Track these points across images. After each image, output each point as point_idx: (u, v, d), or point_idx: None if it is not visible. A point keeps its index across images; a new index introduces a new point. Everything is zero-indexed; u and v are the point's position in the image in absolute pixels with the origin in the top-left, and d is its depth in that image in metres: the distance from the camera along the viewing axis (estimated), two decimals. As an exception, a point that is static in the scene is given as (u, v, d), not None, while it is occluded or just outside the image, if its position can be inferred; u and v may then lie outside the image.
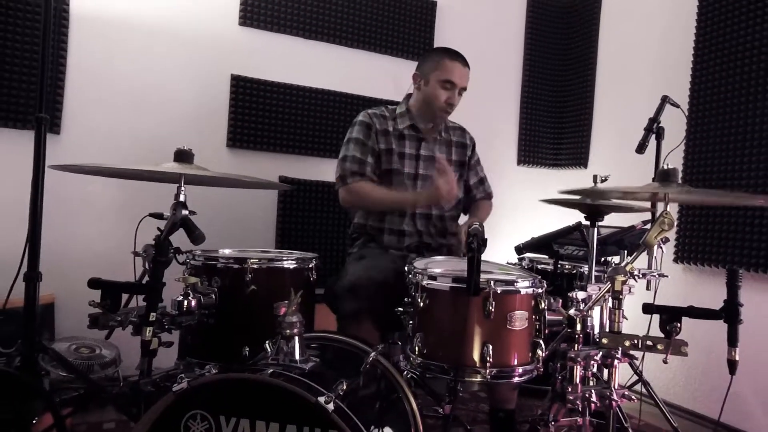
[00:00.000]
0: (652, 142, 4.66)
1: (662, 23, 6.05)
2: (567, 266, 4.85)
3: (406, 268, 3.41)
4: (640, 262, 2.95)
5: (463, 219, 4.96)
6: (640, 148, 4.61)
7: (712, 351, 4.83)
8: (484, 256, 2.80)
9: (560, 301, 3.23)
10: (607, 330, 3.02)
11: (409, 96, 4.79)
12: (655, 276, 3.80)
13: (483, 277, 2.81)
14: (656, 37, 6.12)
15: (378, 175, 4.54)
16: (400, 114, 4.70)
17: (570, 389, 3.03)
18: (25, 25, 4.77)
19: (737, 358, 2.89)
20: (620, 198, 3.60)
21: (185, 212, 3.14)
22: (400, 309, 3.25)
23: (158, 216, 3.27)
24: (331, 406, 2.33)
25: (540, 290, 3.12)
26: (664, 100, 4.69)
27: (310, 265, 3.85)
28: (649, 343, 2.85)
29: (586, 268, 4.15)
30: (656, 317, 2.93)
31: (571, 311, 3.06)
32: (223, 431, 2.50)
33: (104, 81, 5.15)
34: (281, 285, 3.59)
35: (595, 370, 3.10)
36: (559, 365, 3.17)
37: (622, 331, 2.97)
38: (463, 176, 4.85)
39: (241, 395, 2.51)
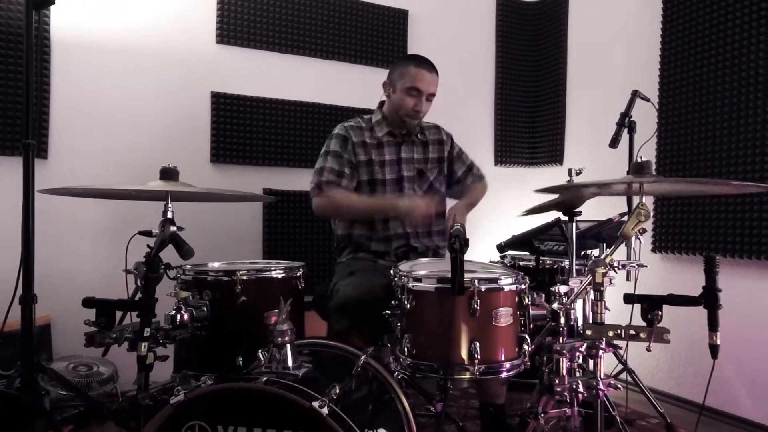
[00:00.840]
0: (625, 136, 4.68)
1: (629, 19, 6.09)
2: (548, 262, 4.86)
3: (391, 272, 3.41)
4: (619, 253, 2.97)
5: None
6: (614, 143, 4.63)
7: (693, 337, 4.84)
8: (466, 256, 2.79)
9: (543, 295, 3.22)
10: (591, 321, 3.04)
11: (382, 103, 4.77)
12: (634, 266, 3.82)
13: (467, 276, 2.81)
14: (624, 32, 6.15)
15: (359, 184, 4.52)
16: (377, 122, 4.69)
17: (557, 381, 3.04)
18: (7, 54, 4.78)
19: (718, 342, 2.91)
20: (596, 192, 3.62)
21: (173, 228, 3.15)
22: (388, 312, 3.23)
23: (147, 233, 3.28)
24: (325, 410, 2.34)
25: (523, 286, 3.12)
26: (635, 94, 4.72)
27: (298, 274, 3.85)
28: (632, 332, 2.87)
29: (566, 263, 4.15)
30: (638, 306, 2.94)
31: (555, 305, 3.07)
32: (221, 440, 2.51)
33: (88, 104, 5.16)
34: (271, 295, 3.58)
35: (580, 361, 3.11)
36: (545, 358, 3.17)
37: (605, 322, 2.98)
38: (442, 171, 4.83)
39: (237, 404, 2.52)
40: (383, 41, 6.51)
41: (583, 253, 4.63)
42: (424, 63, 4.51)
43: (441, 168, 4.83)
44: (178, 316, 3.20)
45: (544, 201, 3.71)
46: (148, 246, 3.07)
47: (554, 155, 7.06)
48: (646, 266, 3.99)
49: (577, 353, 3.04)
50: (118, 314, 3.12)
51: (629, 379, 4.51)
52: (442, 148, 4.86)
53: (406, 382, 3.57)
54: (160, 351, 3.06)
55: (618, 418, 3.76)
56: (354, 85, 6.30)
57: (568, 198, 3.64)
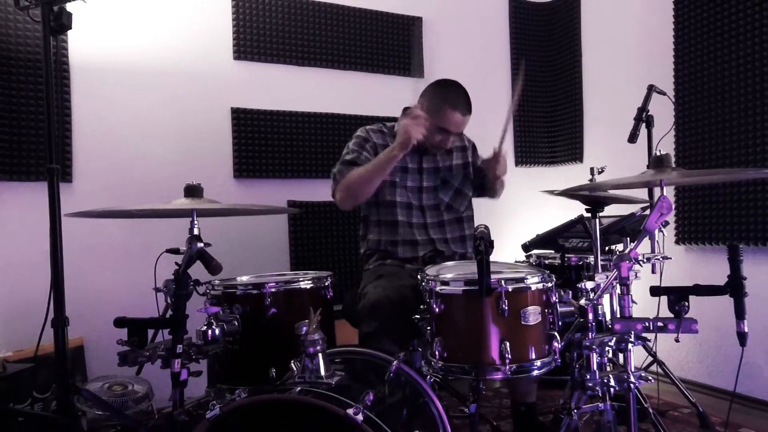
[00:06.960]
0: (643, 130, 4.68)
1: (640, 14, 6.07)
2: (573, 259, 4.86)
3: (419, 276, 3.40)
4: (643, 247, 2.95)
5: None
6: (632, 138, 4.63)
7: (721, 326, 4.84)
8: (492, 257, 2.79)
9: (570, 292, 3.23)
10: (618, 316, 3.04)
11: (406, 109, 4.68)
12: (659, 259, 3.79)
13: (493, 277, 2.82)
14: (636, 27, 6.13)
15: (378, 189, 4.43)
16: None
17: (589, 377, 3.03)
18: (27, 80, 4.80)
19: (746, 329, 2.90)
20: (618, 189, 3.62)
21: (200, 245, 3.14)
22: (417, 317, 3.24)
23: (175, 251, 3.28)
24: (360, 417, 2.33)
25: (550, 284, 3.11)
26: (651, 89, 4.72)
27: (326, 283, 3.86)
28: (660, 324, 2.86)
29: (591, 259, 4.16)
30: (664, 299, 2.94)
31: (582, 301, 3.06)
32: (258, 452, 2.51)
33: (109, 125, 5.16)
34: (300, 305, 3.60)
35: (610, 355, 3.10)
36: (575, 354, 3.17)
37: (633, 315, 2.99)
38: (468, 176, 4.77)
39: (272, 415, 2.52)
40: (398, 49, 6.49)
41: (607, 248, 4.64)
42: (460, 105, 4.37)
43: (467, 173, 4.77)
44: (210, 332, 3.20)
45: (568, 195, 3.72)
46: (176, 263, 3.07)
47: (574, 153, 7.04)
48: (671, 258, 3.97)
49: (607, 348, 3.03)
50: (150, 332, 3.12)
51: (660, 370, 4.52)
52: (466, 154, 4.81)
53: (439, 385, 3.58)
54: (193, 366, 3.07)
55: (650, 410, 3.77)
56: (374, 95, 6.30)
57: (592, 197, 3.65)
